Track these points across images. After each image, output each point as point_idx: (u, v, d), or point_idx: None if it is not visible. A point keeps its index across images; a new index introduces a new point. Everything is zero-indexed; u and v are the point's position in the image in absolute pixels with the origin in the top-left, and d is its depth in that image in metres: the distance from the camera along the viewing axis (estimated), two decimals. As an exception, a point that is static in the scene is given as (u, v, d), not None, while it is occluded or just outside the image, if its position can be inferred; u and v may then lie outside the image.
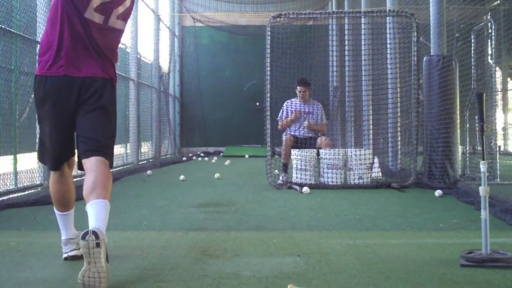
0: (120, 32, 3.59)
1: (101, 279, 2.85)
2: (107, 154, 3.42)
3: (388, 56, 9.80)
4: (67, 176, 3.60)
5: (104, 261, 2.88)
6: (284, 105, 9.08)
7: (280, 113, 9.09)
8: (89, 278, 2.83)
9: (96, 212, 3.06)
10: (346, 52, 10.35)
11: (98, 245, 2.85)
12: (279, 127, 9.08)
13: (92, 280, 2.83)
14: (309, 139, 8.90)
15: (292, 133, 8.92)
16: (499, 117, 11.68)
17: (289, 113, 9.02)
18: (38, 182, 7.48)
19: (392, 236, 4.47)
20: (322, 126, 9.05)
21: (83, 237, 2.86)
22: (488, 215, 3.45)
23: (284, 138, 8.78)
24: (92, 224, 2.98)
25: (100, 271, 2.84)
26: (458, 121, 8.26)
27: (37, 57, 3.24)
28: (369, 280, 3.13)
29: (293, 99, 9.12)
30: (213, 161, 14.57)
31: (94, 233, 2.87)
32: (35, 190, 7.27)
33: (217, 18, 19.77)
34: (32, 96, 3.41)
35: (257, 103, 9.30)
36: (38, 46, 3.59)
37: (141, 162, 13.15)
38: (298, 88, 8.96)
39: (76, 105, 3.36)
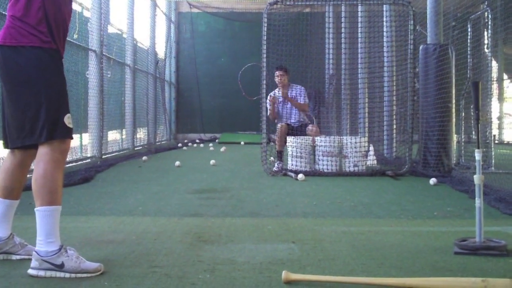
0: None
1: (78, 276, 2.93)
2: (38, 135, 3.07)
3: (385, 44, 9.78)
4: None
5: (59, 271, 2.93)
6: (268, 97, 9.00)
7: (267, 109, 9.03)
8: None
9: (37, 225, 3.03)
10: (343, 40, 10.32)
11: (42, 271, 2.94)
12: (271, 119, 9.03)
13: None
14: (304, 126, 8.89)
15: (285, 121, 8.90)
16: (495, 107, 11.69)
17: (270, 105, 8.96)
18: (32, 167, 7.46)
19: (386, 224, 4.49)
20: (302, 105, 8.96)
21: None
22: (482, 203, 3.47)
23: (278, 126, 8.78)
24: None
25: (68, 277, 2.93)
26: (454, 110, 8.28)
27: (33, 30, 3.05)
28: (363, 267, 3.14)
29: (274, 90, 9.08)
30: (211, 148, 14.50)
31: (33, 265, 2.96)
32: (29, 175, 7.25)
33: (214, 4, 19.71)
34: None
35: (254, 98, 9.27)
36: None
37: (137, 148, 13.14)
38: (276, 73, 8.92)
39: None
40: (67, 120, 3.09)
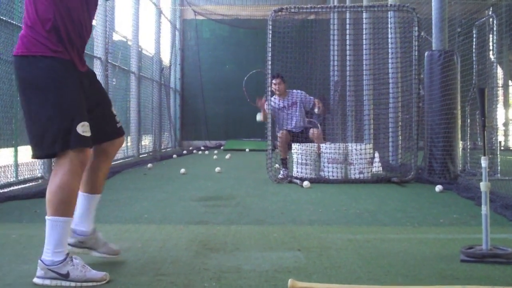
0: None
1: (83, 285, 2.94)
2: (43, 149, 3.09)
3: (389, 50, 9.78)
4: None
5: (64, 280, 2.93)
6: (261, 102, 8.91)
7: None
8: None
9: (46, 233, 3.03)
10: (347, 47, 10.32)
11: (47, 280, 2.94)
12: (263, 119, 8.94)
13: None
14: (305, 132, 8.85)
15: (286, 128, 8.85)
16: (500, 113, 11.67)
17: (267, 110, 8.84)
18: (39, 175, 7.49)
19: (392, 231, 4.48)
20: (318, 103, 8.94)
21: None
22: (489, 210, 3.45)
23: (279, 134, 8.71)
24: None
25: (74, 286, 2.93)
26: (459, 116, 8.26)
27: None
28: (369, 275, 3.13)
29: (272, 98, 8.90)
30: (214, 157, 14.34)
31: (38, 273, 2.97)
32: (36, 183, 7.28)
33: (219, 11, 19.76)
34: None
35: (253, 104, 9.29)
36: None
37: (142, 155, 13.16)
38: (273, 81, 8.82)
39: None
40: (81, 128, 3.02)
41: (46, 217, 3.01)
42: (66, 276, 2.92)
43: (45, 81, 3.01)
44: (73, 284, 2.91)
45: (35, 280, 2.95)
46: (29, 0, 3.07)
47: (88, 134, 3.06)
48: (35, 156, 3.12)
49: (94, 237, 3.37)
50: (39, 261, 2.98)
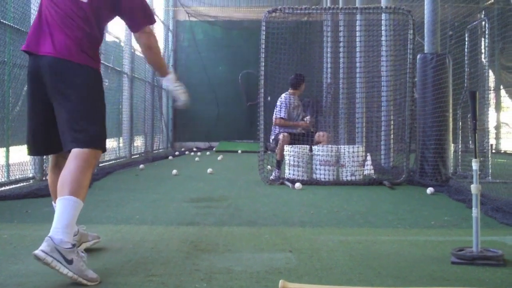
0: None
1: (78, 280, 2.91)
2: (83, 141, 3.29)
3: (383, 53, 9.80)
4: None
5: (65, 266, 2.87)
6: (283, 100, 8.96)
7: (278, 109, 8.96)
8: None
9: (56, 214, 3.02)
10: (341, 49, 10.34)
11: (50, 257, 2.86)
12: (277, 122, 8.94)
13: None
14: (306, 135, 8.88)
15: (288, 130, 8.86)
16: (492, 116, 11.72)
17: (287, 108, 8.90)
18: (30, 175, 7.48)
19: (383, 233, 4.49)
20: (305, 124, 9.09)
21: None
22: (479, 213, 3.47)
23: (280, 136, 8.70)
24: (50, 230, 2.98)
25: (70, 276, 2.89)
26: (451, 119, 8.29)
27: None
28: (360, 277, 3.14)
29: (286, 94, 9.04)
30: (196, 159, 13.68)
31: (44, 248, 2.88)
32: (27, 183, 7.27)
33: (212, 13, 19.75)
34: (25, 89, 3.38)
35: (248, 103, 9.31)
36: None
37: (134, 156, 13.14)
38: (303, 86, 9.10)
39: None
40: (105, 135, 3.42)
41: (62, 197, 3.02)
42: (69, 262, 2.88)
43: (93, 88, 3.35)
44: (70, 273, 2.87)
45: (38, 252, 2.84)
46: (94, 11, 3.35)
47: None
48: (66, 148, 3.26)
49: (81, 232, 3.51)
50: (47, 237, 2.91)
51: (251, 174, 9.17)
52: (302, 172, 8.31)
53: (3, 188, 6.67)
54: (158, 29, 17.33)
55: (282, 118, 8.86)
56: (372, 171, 8.97)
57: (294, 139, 8.75)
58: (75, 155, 3.16)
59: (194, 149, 18.00)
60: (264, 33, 8.35)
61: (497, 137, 16.88)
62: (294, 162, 8.33)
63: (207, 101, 19.77)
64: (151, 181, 8.37)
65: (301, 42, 11.87)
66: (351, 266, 3.36)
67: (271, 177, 8.31)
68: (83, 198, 3.10)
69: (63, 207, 3.00)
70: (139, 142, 14.53)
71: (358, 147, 8.66)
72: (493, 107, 14.64)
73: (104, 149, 3.35)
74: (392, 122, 9.53)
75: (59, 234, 2.92)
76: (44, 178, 7.42)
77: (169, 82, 3.97)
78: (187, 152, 16.72)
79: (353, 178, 8.19)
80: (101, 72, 3.46)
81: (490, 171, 8.48)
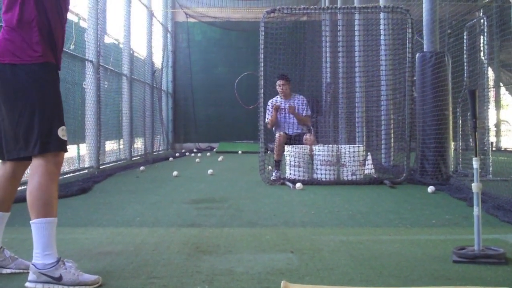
0: None
1: None
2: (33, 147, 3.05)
3: (382, 52, 9.80)
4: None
5: (57, 285, 2.91)
6: (269, 103, 9.10)
7: (266, 114, 9.08)
8: None
9: (33, 238, 3.00)
10: (340, 48, 10.33)
11: (39, 284, 2.91)
12: (268, 126, 9.07)
13: None
14: (302, 135, 8.91)
15: (284, 130, 8.93)
16: (492, 114, 11.70)
17: (270, 112, 9.04)
18: (26, 179, 7.44)
19: (384, 232, 4.49)
20: (305, 118, 9.04)
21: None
22: (481, 211, 3.47)
23: (277, 135, 8.80)
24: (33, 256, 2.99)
25: None
26: (451, 117, 8.28)
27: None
28: (361, 277, 3.14)
29: (275, 98, 9.14)
30: (197, 160, 13.77)
31: (30, 278, 2.93)
32: (23, 187, 7.23)
33: (210, 14, 19.75)
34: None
35: (250, 106, 9.33)
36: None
37: (134, 158, 13.13)
38: (278, 82, 9.01)
39: None
40: (61, 132, 3.06)
41: (31, 222, 3.00)
42: (59, 280, 2.91)
43: (28, 85, 3.01)
44: (65, 287, 2.90)
45: (27, 284, 2.93)
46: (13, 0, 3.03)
47: (65, 138, 3.10)
48: (9, 157, 3.11)
49: (2, 255, 3.27)
50: (30, 265, 2.96)
51: (252, 175, 9.17)
52: (303, 172, 8.31)
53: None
54: (157, 30, 17.30)
55: (266, 123, 8.96)
56: (373, 171, 8.97)
57: (291, 140, 8.77)
58: (34, 169, 3.04)
59: (195, 150, 18.00)
60: (263, 33, 8.34)
61: (498, 135, 16.88)
62: (294, 162, 8.33)
63: (206, 102, 19.79)
64: (152, 183, 8.37)
65: (300, 42, 11.88)
66: (353, 266, 3.35)
67: (272, 178, 8.31)
68: (54, 212, 3.03)
69: (36, 231, 2.98)
70: (139, 144, 14.52)
71: (358, 146, 8.66)
72: (493, 105, 14.63)
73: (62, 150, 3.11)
74: (392, 121, 9.52)
75: (39, 259, 2.95)
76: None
77: None
78: (187, 154, 16.72)
79: (354, 177, 8.18)
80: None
81: (491, 169, 8.47)
